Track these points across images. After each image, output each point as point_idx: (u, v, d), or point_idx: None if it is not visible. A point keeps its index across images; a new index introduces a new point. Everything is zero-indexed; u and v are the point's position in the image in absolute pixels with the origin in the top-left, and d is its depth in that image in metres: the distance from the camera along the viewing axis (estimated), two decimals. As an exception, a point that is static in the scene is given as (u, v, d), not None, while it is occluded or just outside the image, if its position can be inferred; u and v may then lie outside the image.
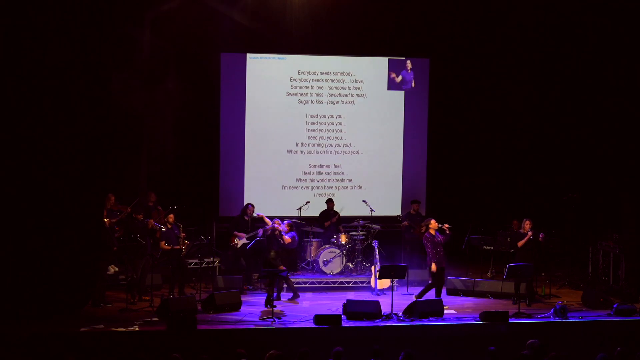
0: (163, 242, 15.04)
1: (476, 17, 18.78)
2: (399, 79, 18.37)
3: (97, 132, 13.70)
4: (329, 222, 17.29)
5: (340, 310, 13.90)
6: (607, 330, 13.49)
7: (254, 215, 16.45)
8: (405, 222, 17.36)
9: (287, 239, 15.23)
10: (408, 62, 18.38)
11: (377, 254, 16.13)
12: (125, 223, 15.12)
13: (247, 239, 16.29)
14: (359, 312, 13.60)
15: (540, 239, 15.33)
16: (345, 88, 18.31)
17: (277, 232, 15.22)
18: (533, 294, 15.31)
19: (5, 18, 13.05)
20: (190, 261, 16.08)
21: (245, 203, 16.96)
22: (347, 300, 13.94)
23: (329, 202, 17.56)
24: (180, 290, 15.08)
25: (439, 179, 19.10)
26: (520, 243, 15.26)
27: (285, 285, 15.38)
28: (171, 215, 15.22)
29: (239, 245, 16.33)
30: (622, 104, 17.58)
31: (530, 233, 15.24)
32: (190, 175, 18.28)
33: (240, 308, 14.28)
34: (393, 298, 14.12)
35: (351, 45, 18.48)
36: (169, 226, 15.12)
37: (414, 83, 18.42)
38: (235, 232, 16.43)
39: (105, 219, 14.71)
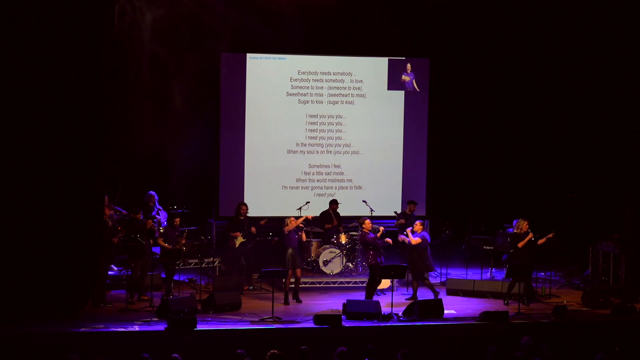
0: (162, 239, 15.08)
1: (476, 16, 18.76)
2: (407, 78, 18.31)
3: (96, 130, 13.67)
4: (330, 225, 17.20)
5: (340, 310, 13.91)
6: (607, 330, 13.49)
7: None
8: (402, 220, 17.15)
9: (415, 240, 15.22)
10: (408, 64, 18.37)
11: (377, 254, 16.10)
12: (125, 223, 15.12)
13: (243, 237, 16.27)
14: (359, 312, 13.61)
15: (546, 238, 15.36)
16: (345, 88, 18.29)
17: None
18: (532, 293, 15.25)
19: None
20: (190, 261, 16.08)
21: (245, 203, 16.93)
22: (347, 300, 13.95)
23: (333, 203, 17.35)
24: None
25: (439, 179, 19.08)
26: (521, 244, 15.19)
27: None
28: (177, 219, 15.27)
29: (237, 245, 16.32)
30: (622, 103, 17.56)
31: (531, 234, 15.22)
32: (191, 174, 18.26)
33: (240, 308, 14.29)
34: (393, 298, 14.13)
35: (351, 45, 18.46)
36: (173, 228, 15.19)
37: (414, 84, 18.39)
38: (231, 233, 16.41)
39: (107, 219, 14.70)
